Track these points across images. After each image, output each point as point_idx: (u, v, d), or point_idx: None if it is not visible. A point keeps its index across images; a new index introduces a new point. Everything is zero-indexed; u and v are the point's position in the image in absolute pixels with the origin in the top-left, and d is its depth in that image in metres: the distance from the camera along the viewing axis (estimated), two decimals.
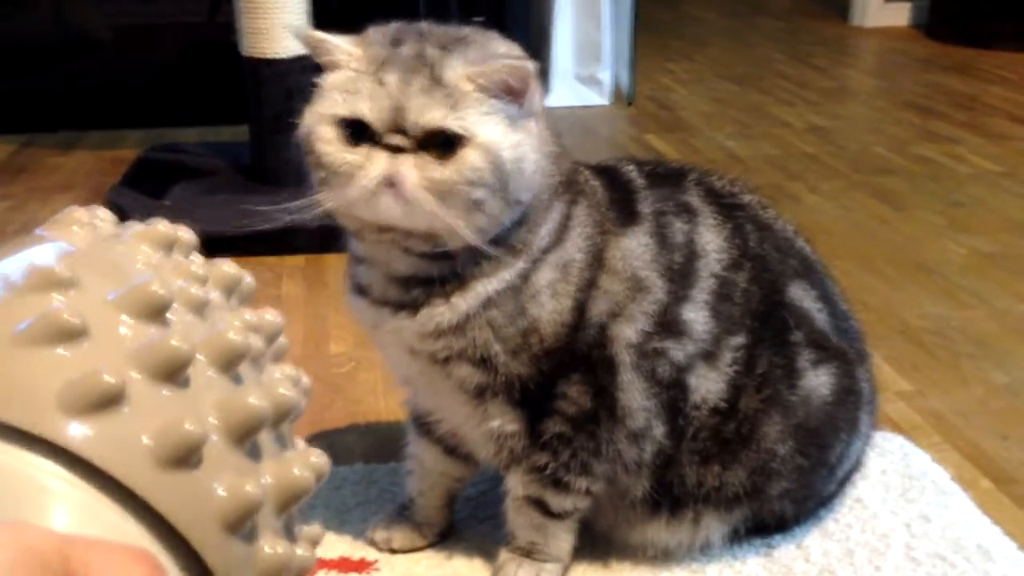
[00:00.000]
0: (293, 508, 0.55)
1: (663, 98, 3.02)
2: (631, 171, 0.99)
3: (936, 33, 3.87)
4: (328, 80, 0.85)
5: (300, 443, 0.61)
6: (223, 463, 0.50)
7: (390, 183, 0.80)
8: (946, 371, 1.42)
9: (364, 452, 1.23)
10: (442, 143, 0.80)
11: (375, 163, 0.80)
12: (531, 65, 0.83)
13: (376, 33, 0.86)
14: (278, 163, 2.07)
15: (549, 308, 0.89)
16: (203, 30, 2.76)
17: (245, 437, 0.52)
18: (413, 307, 0.88)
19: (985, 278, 1.72)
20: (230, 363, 0.54)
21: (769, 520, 1.03)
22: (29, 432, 0.46)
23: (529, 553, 0.98)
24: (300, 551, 0.54)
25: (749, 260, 0.97)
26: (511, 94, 0.82)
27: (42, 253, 0.55)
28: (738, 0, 4.77)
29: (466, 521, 1.09)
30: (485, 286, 0.87)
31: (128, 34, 2.72)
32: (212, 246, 2.08)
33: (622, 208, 0.95)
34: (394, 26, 0.87)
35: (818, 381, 0.99)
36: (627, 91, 2.92)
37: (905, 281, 1.72)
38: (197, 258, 0.65)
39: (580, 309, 0.90)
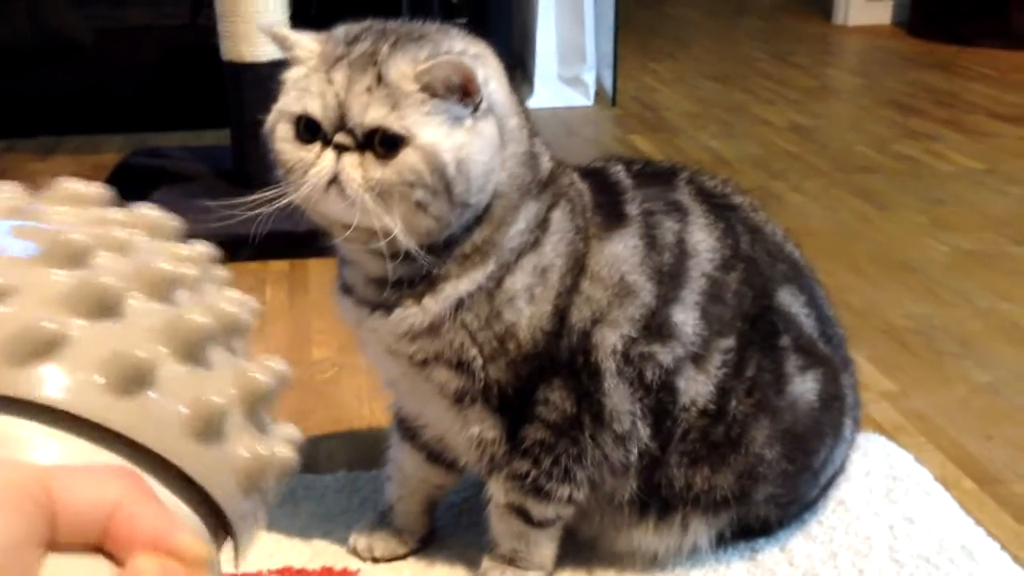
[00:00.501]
0: (260, 409, 0.56)
1: (646, 98, 3.02)
2: (618, 171, 0.99)
3: (918, 31, 3.89)
4: (289, 76, 0.86)
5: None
6: (179, 382, 0.51)
7: (335, 181, 0.81)
8: (929, 371, 1.42)
9: (347, 459, 1.22)
10: (385, 143, 0.81)
11: (322, 162, 0.82)
12: (472, 62, 0.81)
13: (340, 30, 0.86)
14: (260, 167, 2.06)
15: (527, 313, 0.88)
16: (184, 34, 2.75)
17: (195, 352, 0.53)
18: (387, 308, 0.89)
19: (967, 276, 1.73)
20: (164, 291, 0.54)
21: (754, 524, 1.03)
22: None
23: (512, 561, 0.97)
24: (278, 450, 0.55)
25: (741, 261, 0.97)
26: (459, 94, 0.81)
27: None
28: (720, 0, 4.78)
29: (449, 528, 1.09)
30: (455, 287, 0.87)
31: (109, 38, 2.70)
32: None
33: (609, 211, 0.94)
34: (363, 23, 0.87)
35: (805, 387, 0.99)
36: (610, 92, 2.92)
37: (887, 280, 1.72)
38: (115, 209, 0.63)
39: (561, 315, 0.89)
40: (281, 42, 0.86)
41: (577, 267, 0.90)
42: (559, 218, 0.90)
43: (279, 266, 1.81)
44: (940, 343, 1.50)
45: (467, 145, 0.82)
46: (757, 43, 3.85)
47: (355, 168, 0.81)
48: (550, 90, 2.89)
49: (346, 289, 0.93)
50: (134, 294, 0.53)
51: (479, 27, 3.13)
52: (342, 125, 0.81)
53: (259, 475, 0.54)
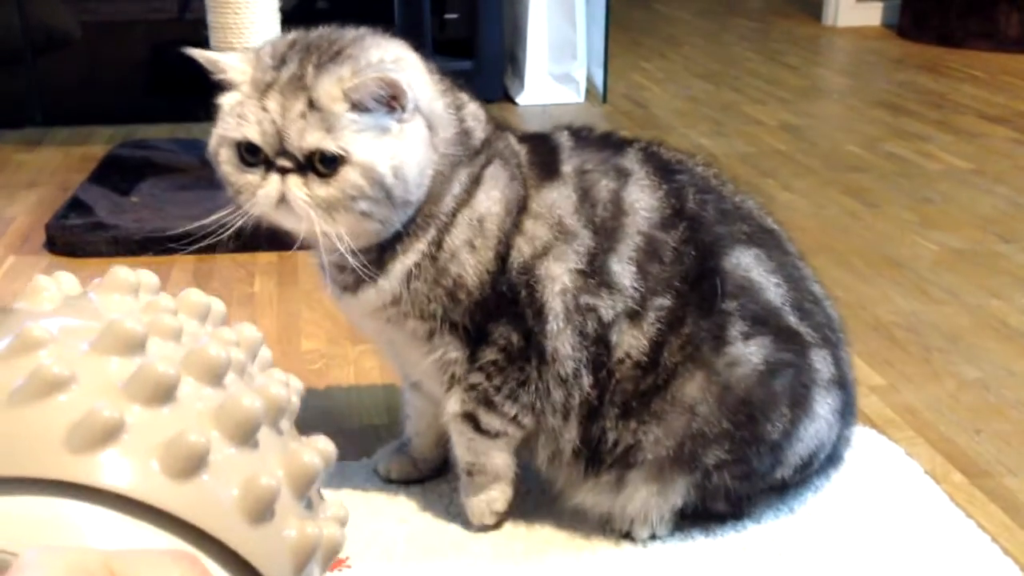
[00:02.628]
0: (309, 491, 0.59)
1: (637, 96, 3.02)
2: (561, 136, 1.04)
3: (907, 33, 3.90)
4: (225, 102, 0.90)
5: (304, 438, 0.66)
6: (231, 464, 0.54)
7: (283, 200, 0.88)
8: (918, 366, 1.42)
9: (336, 449, 1.21)
10: (325, 162, 0.87)
11: (268, 184, 0.88)
12: (395, 70, 0.87)
13: (266, 50, 0.91)
14: None
15: (471, 263, 0.95)
16: (173, 27, 2.73)
17: (247, 436, 0.56)
18: (353, 289, 0.98)
19: (955, 274, 1.74)
20: (216, 376, 0.58)
21: (713, 499, 1.01)
22: (44, 478, 0.51)
23: (470, 474, 1.05)
24: (327, 529, 0.58)
25: (684, 220, 0.99)
26: (387, 103, 0.87)
27: (19, 321, 0.60)
28: (712, 0, 4.79)
29: (443, 523, 1.08)
30: (403, 262, 0.95)
31: (97, 31, 2.68)
32: (181, 243, 2.02)
33: (543, 167, 0.99)
34: (286, 39, 0.92)
35: (748, 351, 0.98)
36: (601, 89, 2.92)
37: (877, 277, 1.73)
38: (165, 295, 0.69)
39: (503, 256, 0.96)
40: (212, 66, 0.91)
41: (518, 208, 0.96)
42: (492, 173, 0.97)
43: (267, 257, 1.80)
44: (929, 339, 1.50)
45: (400, 151, 0.88)
46: (747, 43, 3.86)
47: (300, 188, 0.87)
48: (540, 86, 2.89)
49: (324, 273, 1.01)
50: (186, 379, 0.56)
51: (469, 24, 3.10)
52: (282, 149, 0.87)
53: (309, 554, 0.56)
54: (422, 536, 1.05)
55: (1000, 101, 2.95)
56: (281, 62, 0.89)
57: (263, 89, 0.88)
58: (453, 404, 1.02)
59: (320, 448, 0.61)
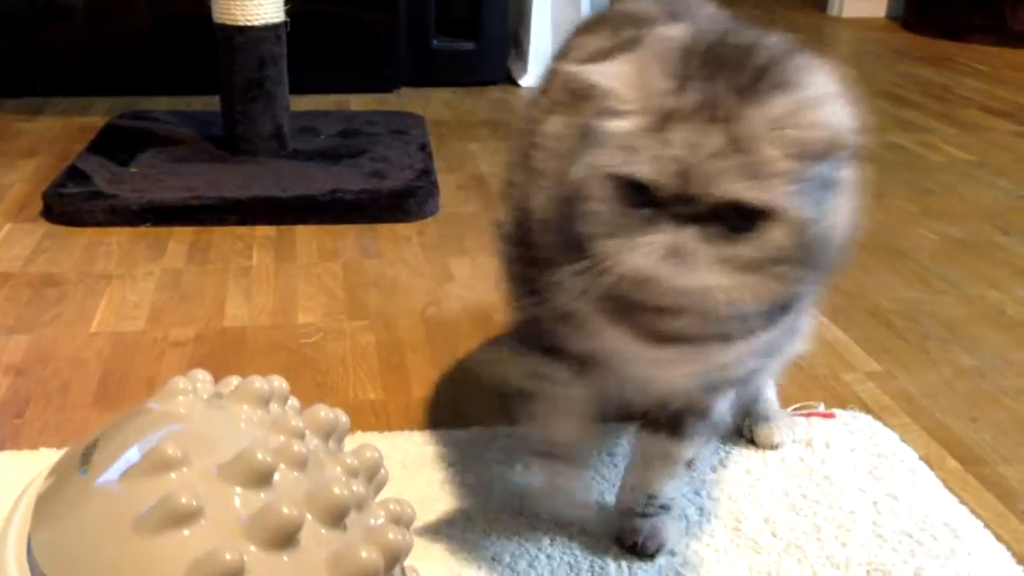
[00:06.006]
0: None
1: None
2: None
3: (912, 25, 3.89)
4: (605, 129, 0.71)
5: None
6: None
7: (673, 256, 0.69)
8: (915, 353, 1.42)
9: None
10: (740, 215, 0.68)
11: (658, 233, 0.69)
12: (844, 114, 0.70)
13: (653, 67, 0.71)
14: (249, 132, 2.04)
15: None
16: None
17: None
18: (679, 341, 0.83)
19: (955, 264, 1.73)
20: (338, 517, 0.58)
21: None
22: None
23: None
24: None
25: None
26: (832, 155, 0.70)
27: (154, 433, 0.60)
28: None
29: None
30: None
31: (100, 1, 2.66)
32: (179, 214, 2.04)
33: None
34: (674, 45, 0.72)
35: None
36: None
37: (877, 265, 1.72)
38: (293, 406, 0.70)
39: None
40: (588, 91, 0.73)
41: None
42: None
43: (266, 231, 1.79)
44: (927, 327, 1.50)
45: (838, 204, 0.72)
46: None
47: (701, 244, 0.68)
48: (544, 69, 2.87)
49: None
50: (309, 522, 0.57)
51: (474, 6, 3.08)
52: (683, 194, 0.68)
53: None
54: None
55: (1003, 95, 2.95)
56: (683, 82, 0.69)
57: (663, 118, 0.69)
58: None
59: None
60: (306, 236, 1.78)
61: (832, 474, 1.11)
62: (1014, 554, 1.01)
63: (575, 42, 0.97)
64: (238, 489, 0.55)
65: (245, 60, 1.99)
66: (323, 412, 0.67)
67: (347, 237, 1.79)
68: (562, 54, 0.99)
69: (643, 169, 0.68)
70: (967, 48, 3.56)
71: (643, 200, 0.69)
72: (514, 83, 2.87)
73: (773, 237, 0.69)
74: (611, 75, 0.71)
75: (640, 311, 0.76)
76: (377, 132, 2.23)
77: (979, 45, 3.59)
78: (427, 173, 1.98)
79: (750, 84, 0.69)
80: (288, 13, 2.03)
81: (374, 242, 1.78)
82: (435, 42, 2.79)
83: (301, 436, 0.63)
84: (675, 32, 0.74)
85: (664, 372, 0.84)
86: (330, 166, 2.01)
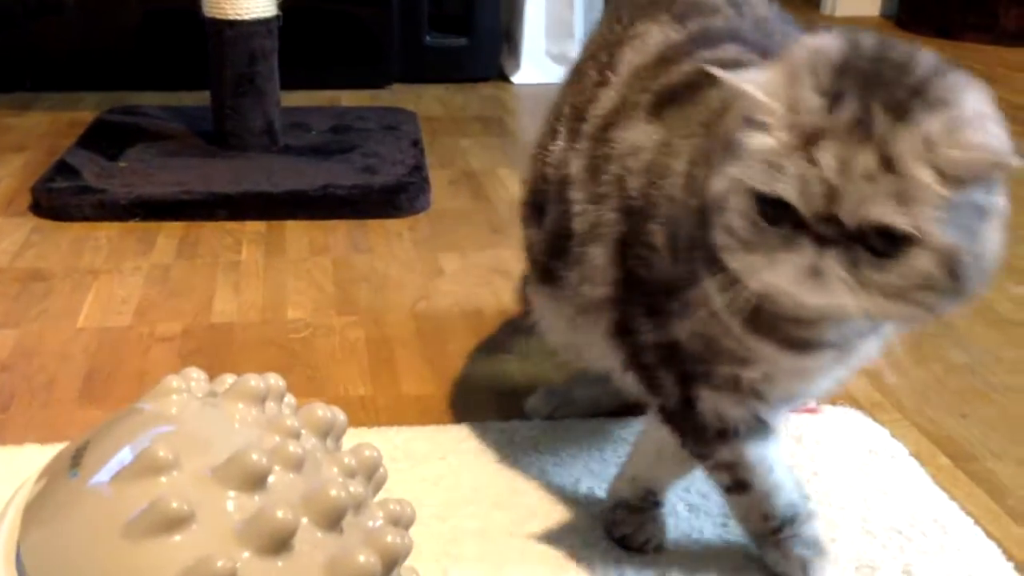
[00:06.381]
0: None
1: None
2: None
3: (906, 23, 3.89)
4: (750, 144, 0.70)
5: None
6: None
7: (814, 274, 0.68)
8: (907, 349, 1.41)
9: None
10: (885, 238, 0.67)
11: (800, 253, 0.68)
12: (1001, 134, 0.68)
13: (806, 81, 0.69)
14: (239, 128, 2.03)
15: None
16: None
17: None
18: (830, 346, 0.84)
19: None
20: (334, 520, 0.57)
21: None
22: None
23: None
24: None
25: None
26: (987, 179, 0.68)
27: (145, 435, 0.59)
28: None
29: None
30: None
31: None
32: (168, 209, 2.03)
33: None
34: (829, 59, 0.70)
35: None
36: None
37: None
38: (289, 405, 0.67)
39: None
40: (738, 96, 0.72)
41: None
42: None
43: (256, 227, 1.78)
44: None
45: (987, 231, 0.69)
46: None
47: (844, 267, 0.67)
48: (537, 66, 2.86)
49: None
50: (305, 526, 0.55)
51: (465, 1, 3.05)
52: (828, 214, 0.67)
53: None
54: None
55: (997, 94, 2.93)
56: (835, 100, 0.67)
57: (811, 136, 0.67)
58: None
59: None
60: (296, 231, 1.78)
61: (821, 470, 1.11)
62: (1004, 550, 1.00)
63: (635, 30, 0.93)
64: (231, 492, 0.54)
65: (235, 55, 1.98)
66: (320, 410, 0.66)
67: (338, 232, 1.78)
68: (612, 42, 0.95)
69: (788, 189, 0.67)
70: (961, 47, 3.56)
71: (785, 217, 0.68)
72: (507, 80, 2.86)
73: (919, 264, 0.67)
74: (762, 85, 0.70)
75: (782, 321, 0.76)
76: (369, 128, 2.22)
77: (973, 44, 3.59)
78: (418, 169, 1.98)
79: (904, 102, 0.67)
80: (280, 7, 2.02)
81: (365, 237, 1.77)
82: (428, 38, 2.78)
83: (297, 436, 0.62)
84: (828, 43, 0.71)
85: (809, 379, 0.84)
86: (321, 162, 2.00)
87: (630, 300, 0.87)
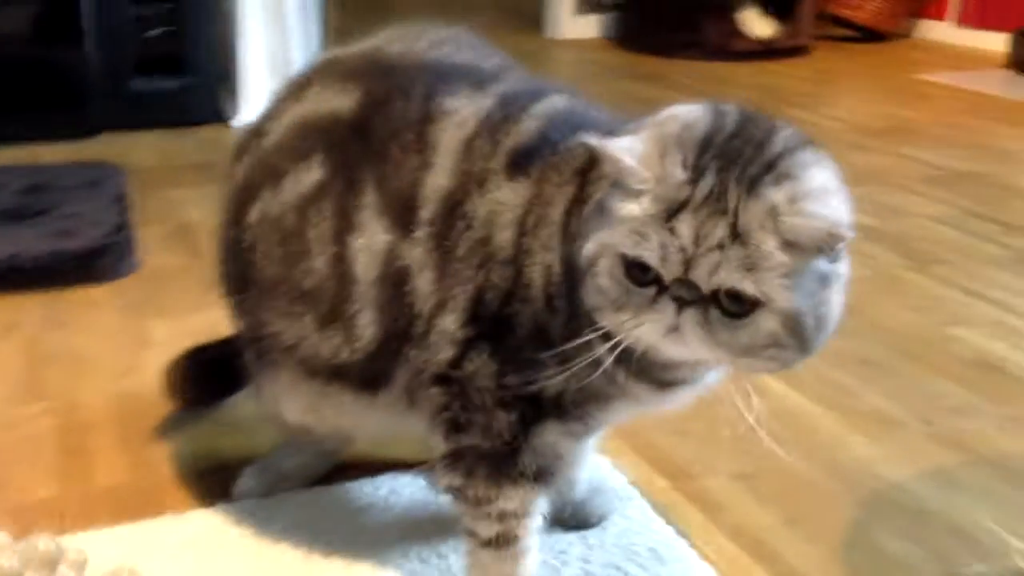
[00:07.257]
0: None
1: None
2: None
3: (626, 44, 4.09)
4: (620, 211, 0.75)
5: None
6: None
7: (675, 331, 0.74)
8: None
9: None
10: (735, 301, 0.73)
11: (660, 313, 0.74)
12: (841, 208, 0.74)
13: (675, 156, 0.74)
14: None
15: None
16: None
17: None
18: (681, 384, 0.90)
19: None
20: None
21: None
22: None
23: None
24: None
25: None
26: (827, 250, 0.73)
27: None
28: (434, 14, 4.80)
29: None
30: None
31: None
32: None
33: None
34: (696, 135, 0.75)
35: None
36: None
37: None
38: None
39: None
40: (609, 164, 0.76)
41: None
42: None
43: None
44: None
45: (828, 295, 0.75)
46: None
47: (700, 325, 0.74)
48: (260, 106, 2.75)
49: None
50: None
51: (174, 40, 2.89)
52: (685, 279, 0.73)
53: None
54: None
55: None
56: (697, 173, 0.73)
57: (673, 209, 0.73)
58: None
59: None
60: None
61: (543, 514, 1.09)
62: (719, 572, 1.02)
63: (436, 108, 0.92)
64: None
65: None
66: (42, 544, 0.65)
67: (29, 308, 1.61)
68: (411, 123, 0.92)
69: (650, 255, 0.73)
70: (675, 64, 3.79)
71: (649, 280, 0.74)
72: (225, 122, 2.72)
73: (765, 324, 0.73)
74: (637, 156, 0.74)
75: (655, 365, 0.83)
76: (67, 185, 2.04)
77: (684, 60, 3.82)
78: (121, 228, 1.82)
79: (756, 178, 0.73)
80: None
81: (61, 311, 1.60)
82: (134, 82, 2.60)
83: None
84: (696, 117, 0.77)
85: (667, 405, 0.91)
86: (9, 228, 1.80)
87: (476, 348, 0.87)
